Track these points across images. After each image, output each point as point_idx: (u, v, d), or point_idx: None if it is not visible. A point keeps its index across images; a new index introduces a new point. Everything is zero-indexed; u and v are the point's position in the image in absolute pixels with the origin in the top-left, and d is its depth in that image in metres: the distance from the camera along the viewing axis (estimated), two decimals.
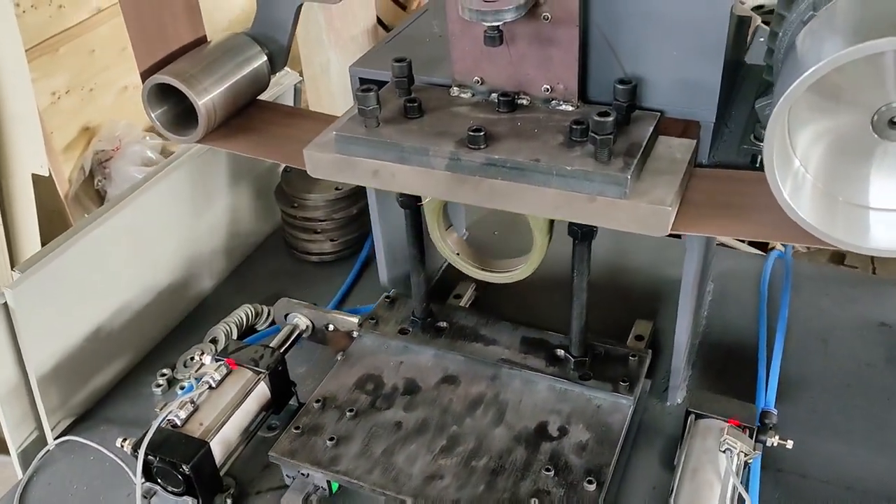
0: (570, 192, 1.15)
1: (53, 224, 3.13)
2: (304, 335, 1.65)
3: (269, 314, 1.87)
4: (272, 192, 2.02)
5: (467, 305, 1.77)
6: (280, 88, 1.97)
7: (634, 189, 1.14)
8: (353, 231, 2.00)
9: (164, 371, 1.74)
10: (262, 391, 1.46)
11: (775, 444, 1.39)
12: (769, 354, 1.62)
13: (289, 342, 1.60)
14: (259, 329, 1.84)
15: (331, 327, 1.63)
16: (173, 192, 1.79)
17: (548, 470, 1.31)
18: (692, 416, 1.41)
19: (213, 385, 1.42)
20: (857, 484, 1.43)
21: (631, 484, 1.46)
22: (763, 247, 2.56)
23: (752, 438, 1.37)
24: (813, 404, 1.59)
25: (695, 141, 1.25)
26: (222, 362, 1.46)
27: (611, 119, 1.10)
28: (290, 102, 2.02)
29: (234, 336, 1.80)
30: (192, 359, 1.76)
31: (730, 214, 1.17)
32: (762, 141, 1.32)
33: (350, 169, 1.28)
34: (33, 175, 2.89)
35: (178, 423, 1.35)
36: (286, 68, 1.97)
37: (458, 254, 1.48)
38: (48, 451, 1.57)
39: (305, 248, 2.02)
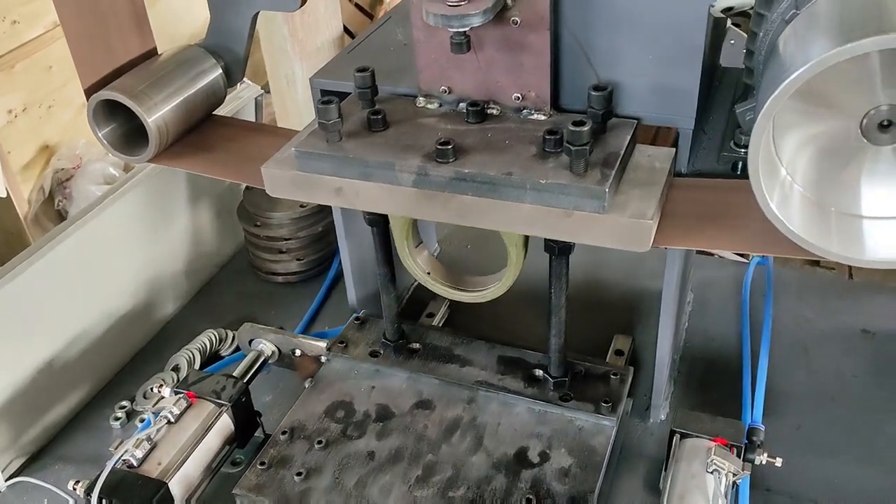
0: (545, 207, 1.07)
1: (12, 246, 3.01)
2: (269, 361, 1.56)
3: (233, 339, 1.77)
4: (234, 211, 1.92)
5: (441, 324, 1.69)
6: (240, 102, 1.88)
7: (613, 202, 1.07)
8: (320, 249, 1.92)
9: (124, 403, 1.64)
10: (225, 424, 1.36)
11: (764, 462, 1.32)
12: (754, 368, 1.56)
13: (253, 370, 1.50)
14: (224, 355, 1.75)
15: (298, 352, 1.54)
16: (130, 211, 1.69)
17: (529, 500, 1.23)
18: (677, 437, 1.34)
19: (172, 420, 1.32)
20: (847, 501, 1.37)
21: None
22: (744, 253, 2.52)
23: (739, 457, 1.30)
24: (798, 419, 1.53)
25: (674, 149, 1.19)
26: (182, 395, 1.36)
27: (586, 128, 1.03)
28: (251, 117, 1.93)
29: (198, 363, 1.70)
30: (153, 389, 1.65)
31: (715, 226, 1.10)
32: (743, 147, 1.26)
33: (311, 187, 1.19)
34: None
35: (135, 463, 1.25)
36: (247, 81, 1.89)
37: (428, 273, 1.41)
38: (1, 492, 1.46)
39: (271, 269, 1.93)
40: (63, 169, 3.48)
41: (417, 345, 1.50)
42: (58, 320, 1.58)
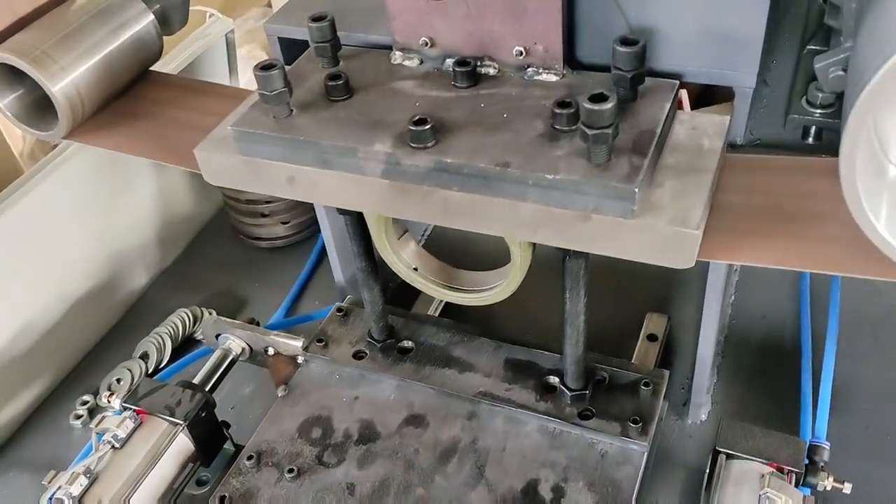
0: (554, 209, 0.80)
1: (11, 181, 2.86)
2: (239, 359, 1.33)
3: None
4: None
5: (437, 312, 1.43)
6: (206, 41, 1.59)
7: (645, 202, 0.79)
8: (307, 212, 1.66)
9: (86, 398, 1.44)
10: (183, 445, 1.15)
11: (829, 489, 1.08)
12: (816, 364, 1.28)
13: (218, 373, 1.28)
14: (200, 338, 1.53)
15: (271, 351, 1.31)
16: (79, 176, 1.44)
17: None
18: (721, 457, 1.10)
19: (117, 445, 1.11)
20: None
21: None
22: None
23: (798, 483, 1.06)
24: (868, 418, 1.27)
25: (728, 118, 0.89)
26: (129, 412, 1.15)
27: (609, 106, 0.74)
28: (223, 60, 1.64)
29: (168, 350, 1.49)
30: (119, 381, 1.46)
31: (780, 231, 0.81)
32: (820, 108, 0.96)
33: (257, 176, 0.93)
34: None
35: (69, 502, 1.05)
36: (216, 13, 1.59)
37: (415, 269, 1.14)
38: None
39: (254, 234, 1.69)
40: None
41: (409, 343, 1.25)
42: (7, 302, 1.37)
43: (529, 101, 0.88)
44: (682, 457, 1.26)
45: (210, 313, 1.55)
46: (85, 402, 1.43)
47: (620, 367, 1.19)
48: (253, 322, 1.35)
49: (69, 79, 1.01)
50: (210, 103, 1.11)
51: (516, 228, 0.83)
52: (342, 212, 1.05)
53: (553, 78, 0.91)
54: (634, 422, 1.10)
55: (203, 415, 1.17)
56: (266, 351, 1.31)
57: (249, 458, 1.13)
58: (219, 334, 1.32)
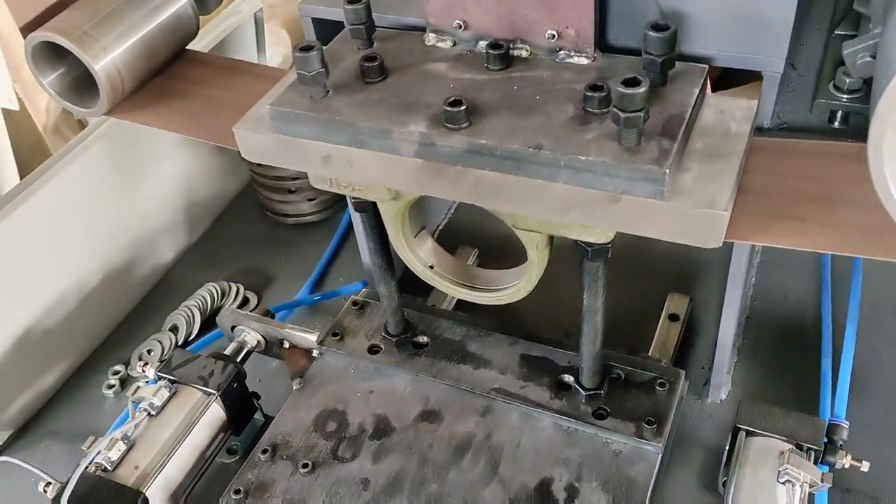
0: (585, 190, 0.82)
1: (36, 157, 2.88)
2: (255, 351, 1.33)
3: (237, 293, 1.59)
4: None
5: (453, 303, 1.43)
6: (236, 20, 1.61)
7: (674, 184, 0.81)
8: None
9: (117, 368, 1.49)
10: (215, 414, 1.19)
11: (847, 466, 1.11)
12: (836, 346, 1.31)
13: (247, 348, 1.31)
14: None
15: (286, 344, 1.30)
16: (109, 154, 1.47)
17: None
18: (742, 434, 1.13)
19: (153, 413, 1.15)
20: None
21: None
22: None
23: (817, 460, 1.09)
24: (887, 399, 1.30)
25: (755, 102, 0.91)
26: (164, 381, 1.18)
27: (641, 90, 0.76)
28: (252, 38, 1.66)
29: (197, 323, 1.53)
30: (150, 352, 1.50)
31: (807, 214, 0.83)
32: (847, 93, 0.98)
33: (293, 154, 0.95)
34: (2, 109, 2.63)
35: (108, 466, 1.09)
36: None
37: (431, 266, 1.13)
38: None
39: (280, 210, 1.72)
40: None
41: (425, 338, 1.25)
42: (41, 277, 1.41)
43: (561, 84, 0.90)
44: (701, 435, 1.28)
45: (238, 288, 1.59)
46: (117, 373, 1.48)
47: (636, 366, 1.18)
48: (268, 314, 1.36)
49: (110, 57, 1.04)
50: (245, 82, 1.14)
51: (547, 209, 0.86)
52: (358, 207, 1.07)
53: (584, 61, 0.93)
54: (649, 422, 1.11)
55: (234, 386, 1.20)
56: (281, 343, 1.31)
57: (264, 451, 1.14)
58: (234, 326, 1.33)
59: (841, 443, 1.12)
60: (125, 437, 1.12)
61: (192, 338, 1.53)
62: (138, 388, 1.19)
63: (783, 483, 1.06)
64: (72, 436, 1.39)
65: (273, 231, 1.73)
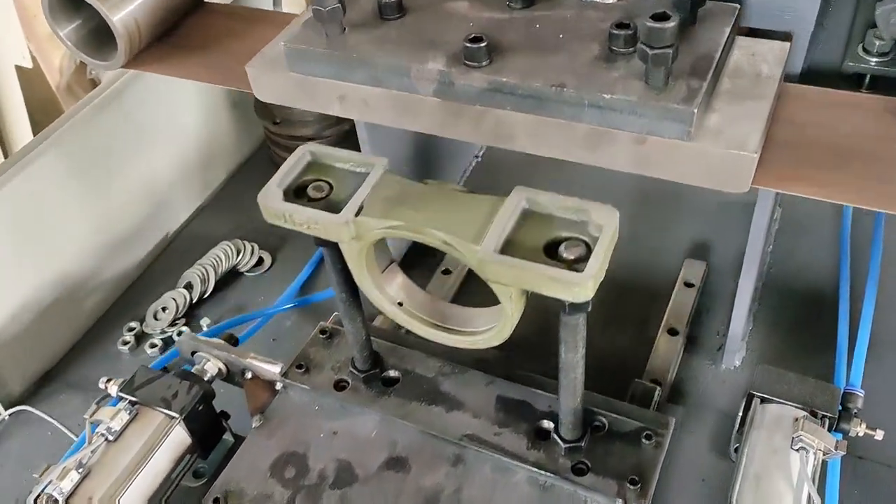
0: (610, 130, 0.78)
1: (48, 115, 2.87)
2: (216, 379, 1.16)
3: (252, 251, 1.56)
4: (252, 104, 1.66)
5: (458, 285, 1.36)
6: None
7: (702, 125, 0.76)
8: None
9: (132, 325, 1.45)
10: (179, 438, 1.05)
11: (861, 435, 1.06)
12: (854, 314, 1.25)
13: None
14: (242, 270, 1.54)
15: (248, 374, 1.14)
16: (122, 113, 1.44)
17: None
18: (756, 400, 1.08)
19: (111, 438, 1.01)
20: None
21: (676, 475, 1.15)
22: None
23: (831, 427, 1.05)
24: None
25: (788, 44, 0.86)
26: (125, 403, 1.05)
27: (671, 25, 0.72)
28: None
29: (211, 281, 1.49)
30: (164, 309, 1.47)
31: (833, 165, 0.79)
32: (877, 56, 0.93)
33: (308, 93, 0.92)
34: (16, 67, 2.59)
35: (59, 498, 0.96)
36: None
37: (400, 304, 0.99)
38: (2, 421, 1.32)
39: None
40: None
41: (395, 372, 1.11)
42: (55, 234, 1.38)
43: (585, 23, 0.85)
44: (714, 401, 1.24)
45: (253, 247, 1.56)
46: (132, 329, 1.45)
47: (621, 413, 1.04)
48: (231, 340, 1.22)
49: (128, 9, 1.00)
50: (261, 29, 1.09)
51: (571, 149, 0.81)
52: (318, 242, 0.94)
53: (610, 0, 0.88)
54: (633, 482, 0.97)
55: (200, 408, 1.07)
56: (243, 373, 1.15)
57: (216, 500, 1.00)
58: (195, 352, 1.16)
59: (856, 411, 1.08)
60: (79, 466, 0.98)
61: (206, 295, 1.50)
62: (97, 408, 1.06)
63: (797, 450, 1.01)
64: (88, 389, 1.36)
65: None
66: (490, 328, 0.92)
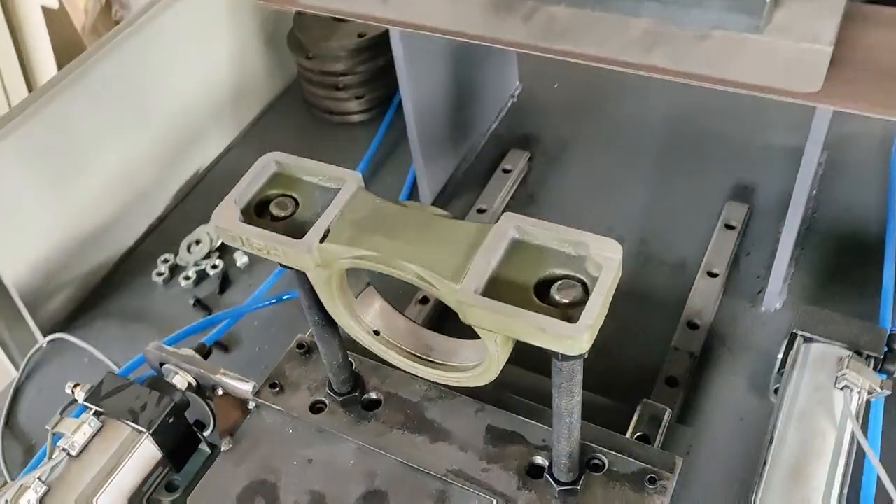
0: (671, 26, 0.72)
1: (73, 57, 2.86)
2: (186, 392, 1.04)
3: None
4: (285, 39, 1.61)
5: (421, 320, 1.20)
6: None
7: (773, 18, 0.70)
8: (382, 87, 1.59)
9: (167, 256, 1.43)
10: (148, 452, 0.97)
11: None
12: None
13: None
14: None
15: (220, 391, 1.03)
16: (154, 45, 1.40)
17: None
18: (800, 339, 1.03)
19: (73, 453, 0.93)
20: None
21: (713, 413, 1.11)
22: None
23: (875, 368, 1.00)
24: None
25: None
26: (89, 415, 0.96)
27: None
28: None
29: None
30: (198, 242, 1.44)
31: None
32: None
33: None
34: (43, 7, 2.58)
35: None
36: None
37: (376, 332, 0.88)
38: (40, 348, 1.30)
39: (327, 107, 1.63)
40: None
41: (377, 395, 0.99)
42: (91, 164, 1.35)
43: None
44: (754, 342, 1.19)
45: None
46: (166, 261, 1.42)
47: (622, 451, 0.91)
48: (203, 350, 1.11)
49: None
50: None
51: (627, 49, 0.75)
52: (283, 265, 0.80)
53: None
54: None
55: (171, 421, 0.97)
56: (214, 390, 1.04)
57: None
58: (162, 363, 1.05)
59: None
60: (37, 484, 0.90)
61: None
62: (61, 418, 0.97)
63: (841, 389, 0.97)
64: (124, 318, 1.35)
65: (318, 128, 1.65)
66: (476, 365, 0.81)
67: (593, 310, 0.63)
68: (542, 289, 0.66)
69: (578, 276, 0.66)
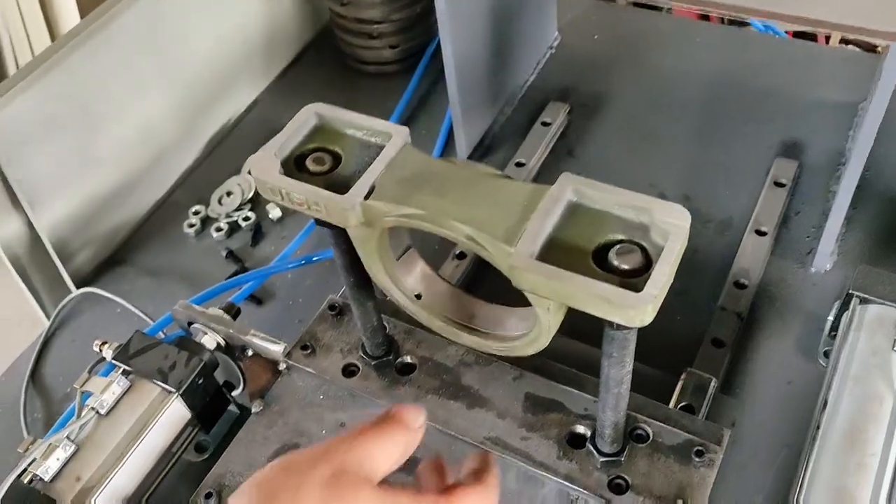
0: None
1: (97, 4, 2.82)
2: (215, 352, 0.99)
3: None
4: None
5: (455, 280, 1.13)
6: None
7: None
8: (418, 36, 1.52)
9: (198, 208, 1.38)
10: (178, 412, 0.94)
11: None
12: None
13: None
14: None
15: (249, 352, 0.99)
16: None
17: None
18: (856, 300, 0.98)
19: (101, 412, 0.90)
20: None
21: (761, 376, 1.06)
22: None
23: None
24: None
25: None
26: (119, 374, 0.93)
27: None
28: None
29: None
30: (229, 194, 1.39)
31: None
32: None
33: None
34: None
35: (45, 477, 0.85)
36: None
37: (418, 296, 0.82)
38: (72, 298, 1.27)
39: (360, 56, 1.56)
40: None
41: (411, 358, 0.94)
42: (126, 107, 1.30)
43: None
44: (803, 304, 1.13)
45: None
46: (197, 213, 1.38)
47: (668, 422, 0.85)
48: (232, 310, 1.06)
49: None
50: None
51: None
52: (319, 223, 0.75)
53: None
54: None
55: (200, 381, 0.94)
56: (243, 351, 0.99)
57: (208, 495, 0.87)
58: (190, 323, 1.01)
59: None
60: (66, 443, 0.87)
61: None
62: (89, 376, 0.95)
63: None
64: (155, 270, 1.31)
65: (352, 77, 1.58)
66: (524, 334, 0.75)
67: (659, 280, 0.59)
68: (600, 255, 0.62)
69: (641, 242, 0.62)
